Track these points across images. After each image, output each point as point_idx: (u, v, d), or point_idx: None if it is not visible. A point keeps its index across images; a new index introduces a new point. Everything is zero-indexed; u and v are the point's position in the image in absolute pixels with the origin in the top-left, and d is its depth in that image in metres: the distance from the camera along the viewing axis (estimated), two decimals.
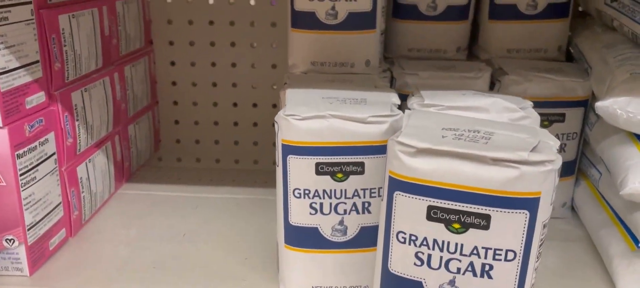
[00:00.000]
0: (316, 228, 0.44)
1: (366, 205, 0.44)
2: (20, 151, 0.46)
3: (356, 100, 0.45)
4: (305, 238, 0.44)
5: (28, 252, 0.48)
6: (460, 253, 0.35)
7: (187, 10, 0.74)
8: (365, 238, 0.44)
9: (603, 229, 0.53)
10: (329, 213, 0.44)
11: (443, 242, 0.35)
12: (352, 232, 0.44)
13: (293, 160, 0.43)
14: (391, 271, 0.37)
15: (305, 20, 0.56)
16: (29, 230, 0.48)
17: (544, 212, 0.34)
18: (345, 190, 0.43)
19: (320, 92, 0.47)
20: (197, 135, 0.80)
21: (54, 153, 0.51)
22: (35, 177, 0.48)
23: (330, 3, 0.55)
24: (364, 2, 0.55)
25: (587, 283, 0.49)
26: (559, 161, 0.34)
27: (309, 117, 0.41)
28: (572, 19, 0.65)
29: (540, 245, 0.35)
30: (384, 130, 0.42)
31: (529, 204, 0.33)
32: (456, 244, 0.35)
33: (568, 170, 0.59)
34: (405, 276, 0.37)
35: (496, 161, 0.33)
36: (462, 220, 0.34)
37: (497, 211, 0.33)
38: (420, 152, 0.34)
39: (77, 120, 0.55)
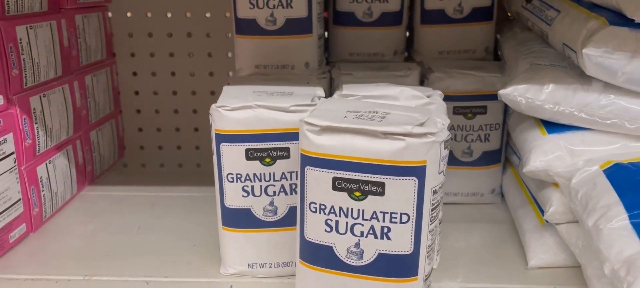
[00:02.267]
0: (249, 209, 0.48)
1: (293, 186, 0.48)
2: None
3: (283, 93, 0.49)
4: (239, 219, 0.49)
5: None
6: (362, 218, 0.39)
7: (147, 23, 0.79)
8: (294, 217, 0.49)
9: (521, 209, 0.58)
10: (260, 195, 0.48)
11: (347, 209, 0.40)
12: (281, 212, 0.49)
13: (225, 148, 0.47)
14: (307, 239, 0.42)
15: (247, 27, 0.62)
16: None
17: (431, 179, 0.38)
18: (274, 173, 0.48)
19: (253, 87, 0.51)
20: (160, 141, 0.85)
21: (12, 153, 0.55)
22: None
23: (269, 10, 0.60)
24: (300, 8, 0.60)
25: (504, 258, 0.54)
26: (442, 134, 0.38)
27: (238, 107, 0.46)
28: (500, 21, 0.71)
29: (432, 209, 0.40)
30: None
31: (417, 171, 0.38)
32: (358, 210, 0.39)
33: (494, 158, 0.64)
34: (318, 242, 0.41)
35: (386, 135, 0.38)
36: (362, 188, 0.39)
37: (390, 179, 0.38)
38: (323, 130, 0.39)
39: (36, 123, 0.59)
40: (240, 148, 0.47)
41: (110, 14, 0.79)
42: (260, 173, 0.48)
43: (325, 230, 0.41)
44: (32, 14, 0.60)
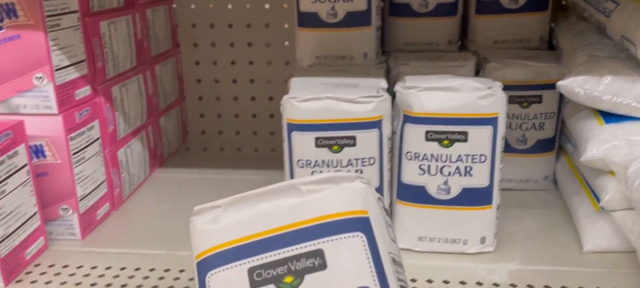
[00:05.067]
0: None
1: (359, 172, 0.51)
2: (72, 134, 0.55)
3: (349, 85, 0.53)
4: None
5: (80, 220, 0.57)
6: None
7: (209, 14, 0.83)
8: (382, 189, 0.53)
9: (575, 195, 0.59)
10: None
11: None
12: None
13: (296, 136, 0.51)
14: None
15: (309, 20, 0.65)
16: (80, 201, 0.57)
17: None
18: (341, 160, 0.51)
19: (319, 79, 0.55)
20: (220, 127, 0.89)
21: (98, 138, 0.61)
22: (84, 157, 0.58)
23: (330, 4, 0.63)
24: (360, 2, 0.63)
25: (558, 242, 0.56)
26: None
27: (308, 99, 0.50)
28: (555, 11, 0.72)
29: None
30: (371, 108, 0.50)
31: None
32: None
33: (548, 146, 0.66)
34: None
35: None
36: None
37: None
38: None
39: (117, 110, 0.64)
40: (310, 137, 0.51)
41: (174, 5, 0.83)
42: (328, 160, 0.51)
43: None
44: (111, 9, 0.64)
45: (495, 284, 0.48)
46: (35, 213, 0.53)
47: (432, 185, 0.52)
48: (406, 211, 0.53)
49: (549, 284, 0.48)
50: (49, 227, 0.57)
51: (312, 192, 0.29)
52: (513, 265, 0.51)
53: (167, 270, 0.52)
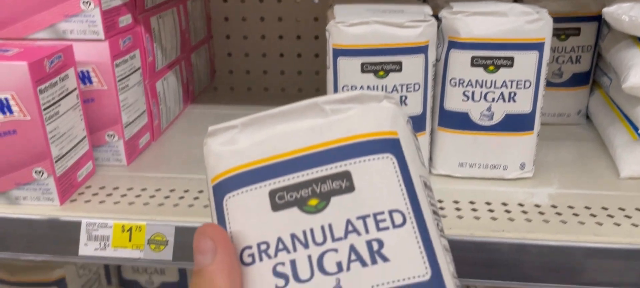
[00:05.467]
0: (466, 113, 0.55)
1: (403, 98, 0.52)
2: (117, 61, 0.56)
3: (394, 10, 0.53)
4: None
5: (126, 146, 0.58)
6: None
7: None
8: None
9: (611, 126, 0.60)
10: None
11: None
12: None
13: (342, 61, 0.51)
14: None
15: None
16: (125, 128, 0.58)
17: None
18: (386, 85, 0.52)
19: (363, 6, 0.55)
20: (247, 66, 0.90)
21: (139, 68, 0.61)
22: (127, 85, 0.58)
23: None
24: None
25: (595, 170, 0.57)
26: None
27: (355, 23, 0.50)
28: None
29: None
30: (419, 33, 0.50)
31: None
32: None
33: (583, 79, 0.66)
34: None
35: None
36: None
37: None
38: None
39: (155, 41, 0.65)
40: (356, 62, 0.51)
41: None
42: (374, 85, 0.52)
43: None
44: None
45: (537, 205, 0.50)
46: (84, 138, 0.54)
47: (476, 111, 0.52)
48: (448, 138, 0.54)
49: (589, 205, 0.50)
50: (96, 153, 0.58)
51: (337, 112, 0.27)
52: (552, 189, 0.53)
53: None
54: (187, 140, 0.67)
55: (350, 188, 0.25)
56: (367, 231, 0.24)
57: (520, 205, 0.50)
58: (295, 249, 0.24)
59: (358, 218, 0.24)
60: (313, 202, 0.25)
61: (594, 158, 0.59)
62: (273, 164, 0.26)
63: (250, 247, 0.25)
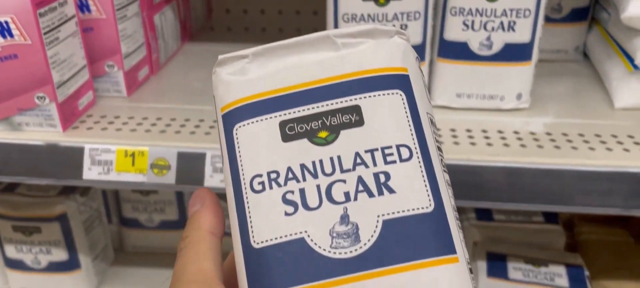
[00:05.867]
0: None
1: (403, 27, 0.52)
2: None
3: None
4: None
5: (125, 77, 0.59)
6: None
7: None
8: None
9: (607, 61, 0.61)
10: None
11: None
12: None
13: None
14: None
15: None
16: (125, 59, 0.58)
17: None
18: (386, 13, 0.52)
19: None
20: (244, 5, 0.89)
21: None
22: (126, 15, 0.58)
23: None
24: None
25: (590, 102, 0.58)
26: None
27: None
28: None
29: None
30: None
31: None
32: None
33: (582, 15, 0.66)
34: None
35: None
36: None
37: None
38: None
39: None
40: None
41: None
42: (374, 13, 0.52)
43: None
44: None
45: (532, 132, 0.51)
46: (84, 66, 0.54)
47: (475, 40, 0.53)
48: (447, 68, 0.55)
49: (583, 133, 0.51)
50: (96, 84, 0.58)
51: (348, 46, 0.27)
52: (548, 119, 0.54)
53: (216, 121, 0.54)
54: (186, 74, 0.67)
55: (360, 122, 0.25)
56: (375, 164, 0.25)
57: (516, 132, 0.51)
58: (304, 179, 0.25)
59: (366, 151, 0.25)
60: (323, 134, 0.25)
61: (590, 92, 0.60)
62: (284, 96, 0.26)
63: (260, 175, 0.25)
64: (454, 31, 0.53)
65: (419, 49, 0.54)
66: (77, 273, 0.73)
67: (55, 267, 0.73)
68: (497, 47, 0.52)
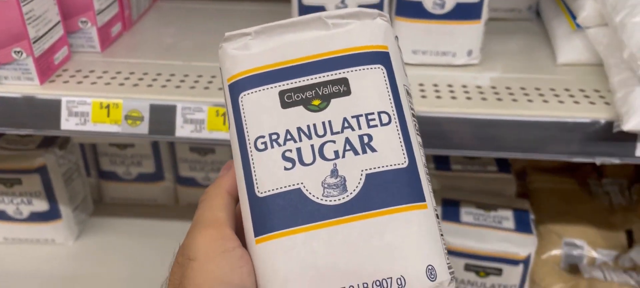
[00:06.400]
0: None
1: None
2: None
3: None
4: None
5: (98, 33, 0.61)
6: None
7: None
8: None
9: (555, 19, 0.65)
10: None
11: None
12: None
13: None
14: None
15: None
16: (98, 15, 0.61)
17: None
18: None
19: None
20: None
21: None
22: None
23: None
24: None
25: (536, 58, 0.62)
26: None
27: None
28: None
29: None
30: None
31: None
32: None
33: None
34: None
35: None
36: None
37: None
38: None
39: None
40: None
41: None
42: None
43: None
44: None
45: (478, 86, 0.55)
46: (58, 22, 0.57)
47: (429, 0, 0.56)
48: (404, 26, 0.59)
49: (525, 86, 0.55)
50: (70, 40, 0.61)
51: (338, 26, 0.31)
52: (494, 74, 0.58)
53: (186, 75, 0.57)
54: (157, 30, 0.70)
55: (347, 92, 0.30)
56: (359, 127, 0.29)
57: (464, 86, 0.55)
58: (300, 139, 0.29)
59: (353, 117, 0.30)
60: (316, 102, 0.30)
61: (538, 49, 0.65)
62: (282, 69, 0.30)
63: (263, 137, 0.30)
64: None
65: (378, 8, 0.57)
66: (58, 222, 0.77)
67: (36, 217, 0.76)
68: (449, 6, 0.56)
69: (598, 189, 0.82)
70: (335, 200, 0.28)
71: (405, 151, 0.29)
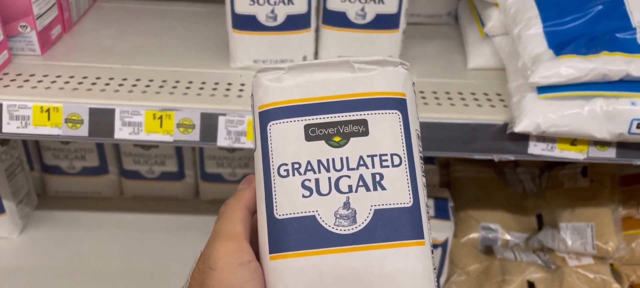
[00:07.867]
0: (254, 16, 0.61)
1: (288, 1, 0.60)
2: None
3: None
4: (246, 23, 0.62)
5: (38, 37, 0.63)
6: None
7: None
8: (291, 24, 0.62)
9: (469, 26, 0.72)
10: (263, 4, 0.60)
11: None
12: (281, 19, 0.62)
13: None
14: None
15: None
16: (37, 19, 0.63)
17: None
18: None
19: None
20: None
21: None
22: None
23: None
24: None
25: (450, 63, 0.69)
26: None
27: None
28: None
29: None
30: None
31: None
32: None
33: None
34: None
35: None
36: None
37: None
38: None
39: None
40: None
41: None
42: None
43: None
44: None
45: None
46: None
47: (352, 11, 0.62)
48: (330, 34, 0.64)
49: (436, 90, 0.62)
50: (10, 43, 0.63)
51: (363, 71, 0.34)
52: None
53: (124, 79, 0.61)
54: (97, 32, 0.72)
55: (366, 132, 0.33)
56: (373, 166, 0.32)
57: None
58: (319, 171, 0.32)
59: (368, 156, 0.32)
60: (337, 138, 0.33)
61: (453, 54, 0.71)
62: (310, 104, 0.33)
63: (286, 164, 0.33)
64: (335, 2, 0.61)
65: (305, 17, 0.62)
66: (2, 217, 0.79)
67: None
68: (370, 17, 0.62)
69: (513, 177, 0.90)
70: (345, 230, 0.31)
71: (411, 191, 0.32)
